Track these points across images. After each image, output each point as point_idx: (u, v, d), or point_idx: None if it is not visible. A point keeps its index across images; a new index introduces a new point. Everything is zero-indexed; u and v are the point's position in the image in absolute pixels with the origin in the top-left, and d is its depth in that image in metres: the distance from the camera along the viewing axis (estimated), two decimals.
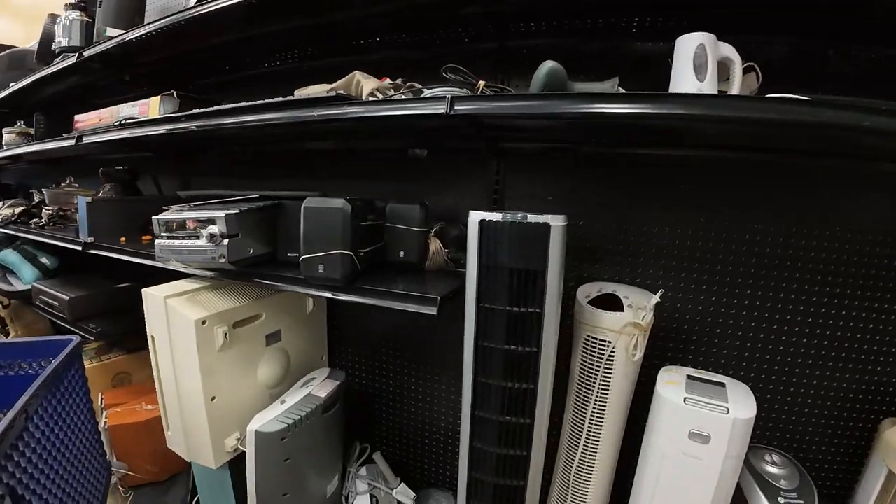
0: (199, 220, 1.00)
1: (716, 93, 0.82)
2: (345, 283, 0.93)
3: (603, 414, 1.08)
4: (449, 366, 1.41)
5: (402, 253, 1.07)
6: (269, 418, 1.14)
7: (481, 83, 0.96)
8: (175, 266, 1.16)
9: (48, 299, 1.72)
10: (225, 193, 1.16)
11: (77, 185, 1.95)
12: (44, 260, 1.97)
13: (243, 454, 1.19)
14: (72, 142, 1.51)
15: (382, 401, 1.56)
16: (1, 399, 1.04)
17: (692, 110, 0.71)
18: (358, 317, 1.55)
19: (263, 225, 1.10)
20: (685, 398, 0.93)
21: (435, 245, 1.06)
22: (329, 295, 0.95)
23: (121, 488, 1.61)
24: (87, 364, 1.78)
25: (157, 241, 1.07)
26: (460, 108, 0.83)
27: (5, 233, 2.06)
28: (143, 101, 1.43)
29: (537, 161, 1.24)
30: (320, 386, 1.27)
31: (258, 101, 1.03)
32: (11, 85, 2.12)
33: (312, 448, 1.22)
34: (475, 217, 0.86)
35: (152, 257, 1.23)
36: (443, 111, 0.83)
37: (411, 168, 1.33)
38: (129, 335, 1.69)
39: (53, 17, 1.99)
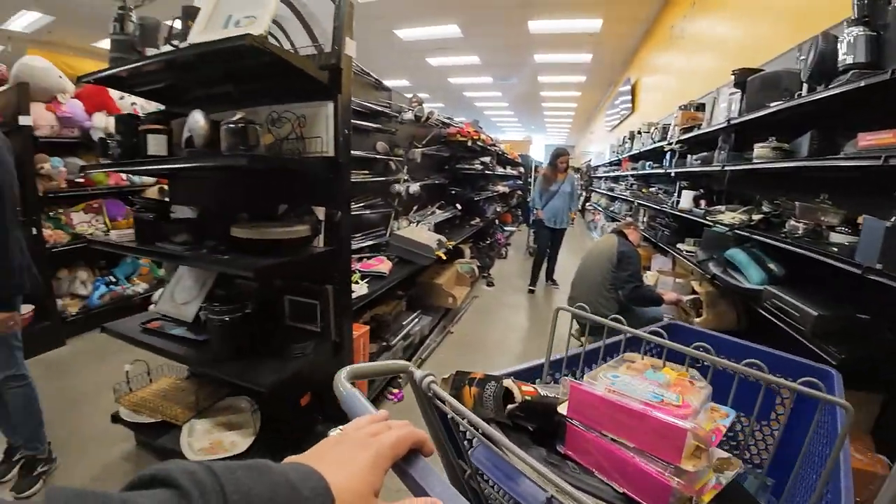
0: None
1: None
2: None
3: None
4: None
5: None
6: None
7: None
8: None
9: (784, 306, 1.84)
10: None
11: (829, 202, 1.95)
12: (771, 266, 2.14)
13: None
14: None
15: None
16: None
17: None
18: None
19: None
20: None
21: None
22: None
23: None
24: None
25: None
26: None
27: (740, 234, 2.36)
28: None
29: None
30: None
31: None
32: (771, 104, 2.34)
33: None
34: None
35: None
36: None
37: None
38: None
39: (826, 36, 1.99)
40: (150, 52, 1.82)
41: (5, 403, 1.96)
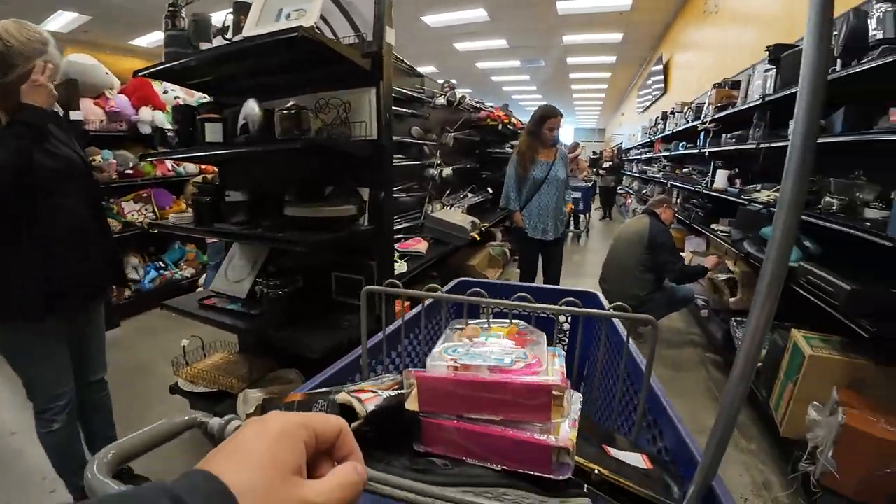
0: None
1: None
2: None
3: None
4: None
5: None
6: None
7: None
8: None
9: (818, 281, 1.86)
10: None
11: (864, 178, 1.95)
12: (806, 243, 2.15)
13: None
14: None
15: None
16: None
17: None
18: None
19: None
20: None
21: None
22: None
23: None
24: (829, 355, 1.86)
25: None
26: None
27: (772, 211, 2.37)
28: None
29: None
30: None
31: None
32: None
33: None
34: None
35: None
36: None
37: None
38: None
39: (857, 12, 2.00)
40: (205, 46, 1.95)
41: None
